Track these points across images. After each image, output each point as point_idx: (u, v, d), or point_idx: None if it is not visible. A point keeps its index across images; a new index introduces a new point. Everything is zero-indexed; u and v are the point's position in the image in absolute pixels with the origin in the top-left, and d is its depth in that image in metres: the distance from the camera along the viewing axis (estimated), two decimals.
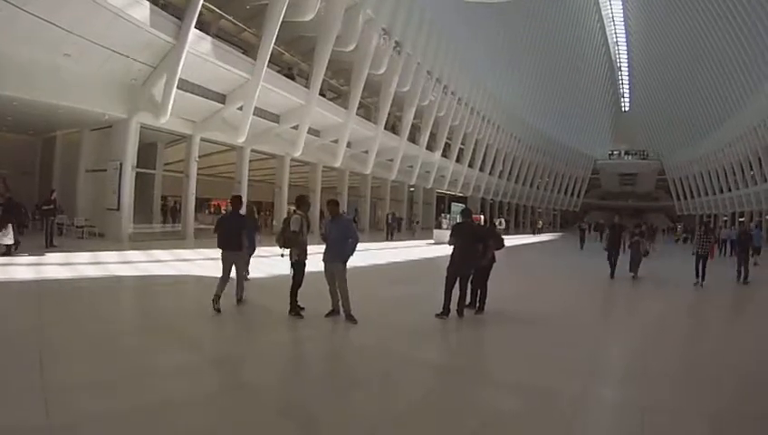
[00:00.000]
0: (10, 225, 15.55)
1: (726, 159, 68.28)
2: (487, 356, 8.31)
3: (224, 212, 12.72)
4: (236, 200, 10.45)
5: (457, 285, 10.07)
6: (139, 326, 8.79)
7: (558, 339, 8.87)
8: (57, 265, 14.57)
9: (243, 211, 11.23)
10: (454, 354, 8.31)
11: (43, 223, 19.38)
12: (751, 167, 61.42)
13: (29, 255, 16.22)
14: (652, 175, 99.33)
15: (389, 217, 38.01)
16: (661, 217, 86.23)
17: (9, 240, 15.55)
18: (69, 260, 15.78)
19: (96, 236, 22.77)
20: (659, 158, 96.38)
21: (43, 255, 16.51)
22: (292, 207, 10.59)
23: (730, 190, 69.00)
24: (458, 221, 11.10)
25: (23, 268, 13.70)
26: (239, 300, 10.30)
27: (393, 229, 36.56)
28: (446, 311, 9.92)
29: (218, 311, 9.39)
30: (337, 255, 9.22)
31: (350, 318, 9.15)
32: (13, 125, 25.21)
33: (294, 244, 9.44)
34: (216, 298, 9.54)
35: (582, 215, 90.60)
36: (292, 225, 9.44)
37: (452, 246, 10.31)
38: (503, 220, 13.97)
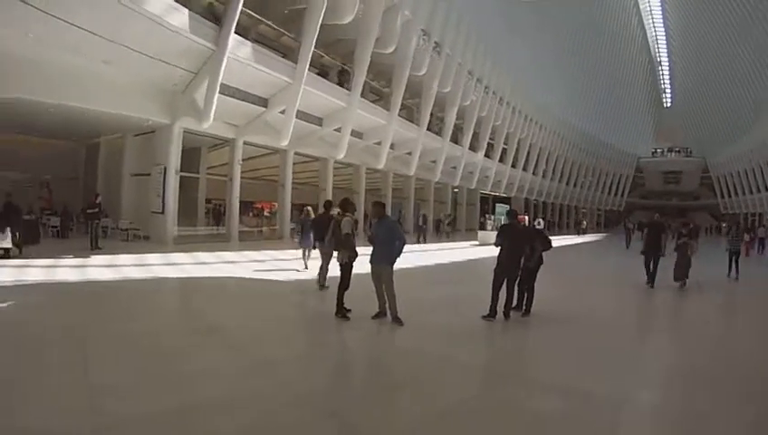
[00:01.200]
0: (8, 228, 15.40)
1: None
2: (532, 359, 7.98)
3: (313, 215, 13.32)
4: (329, 204, 11.45)
5: (504, 287, 9.85)
6: (184, 328, 8.69)
7: (603, 343, 8.60)
8: (102, 267, 14.68)
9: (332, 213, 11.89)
10: (499, 357, 8.12)
11: (88, 226, 19.47)
12: None
13: (74, 257, 16.42)
14: (696, 173, 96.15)
15: (420, 218, 36.20)
16: (705, 216, 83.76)
17: (7, 243, 15.39)
18: (113, 262, 15.92)
19: (141, 238, 22.95)
20: (703, 155, 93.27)
21: (87, 257, 16.65)
22: (337, 210, 10.74)
23: None
24: (505, 222, 10.64)
25: (67, 270, 13.81)
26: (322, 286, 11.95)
27: (423, 232, 34.37)
28: (492, 313, 9.72)
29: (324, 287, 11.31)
30: (384, 257, 9.10)
31: (396, 320, 9.05)
32: (57, 131, 25.58)
33: (346, 246, 9.42)
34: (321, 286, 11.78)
35: (626, 214, 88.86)
36: (344, 227, 9.50)
37: (498, 248, 10.07)
38: (540, 220, 13.00)
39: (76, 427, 4.53)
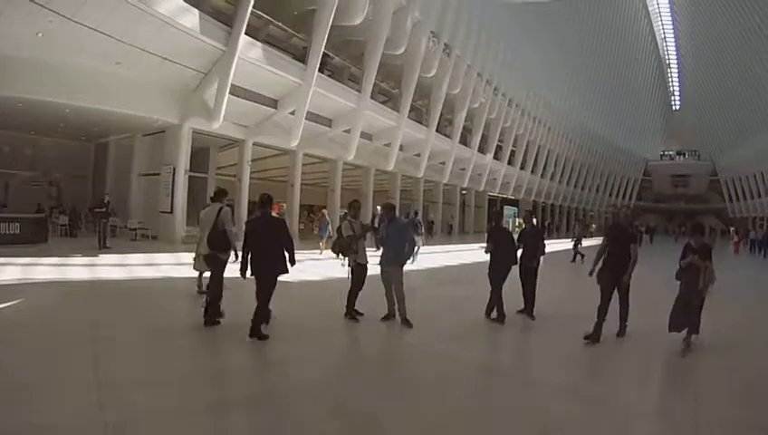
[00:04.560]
0: None
1: None
2: (540, 361, 7.85)
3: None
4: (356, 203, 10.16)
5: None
6: (190, 326, 8.33)
7: (606, 346, 8.34)
8: (110, 266, 14.73)
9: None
10: (507, 358, 8.08)
11: (96, 225, 19.48)
12: None
13: (82, 255, 16.42)
14: (705, 176, 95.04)
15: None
16: (713, 220, 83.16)
17: None
18: (122, 261, 15.97)
19: (149, 238, 23.00)
20: (711, 158, 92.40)
21: (96, 256, 16.68)
22: (344, 210, 10.71)
23: None
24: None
25: (76, 268, 13.83)
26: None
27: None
28: (500, 317, 9.61)
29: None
30: (393, 258, 8.99)
31: (405, 322, 8.87)
32: (66, 131, 25.66)
33: (349, 250, 9.20)
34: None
35: (634, 217, 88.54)
36: (344, 230, 9.25)
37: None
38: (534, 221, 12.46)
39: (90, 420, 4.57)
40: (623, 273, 8.54)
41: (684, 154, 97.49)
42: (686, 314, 8.11)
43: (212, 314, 8.26)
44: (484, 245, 10.08)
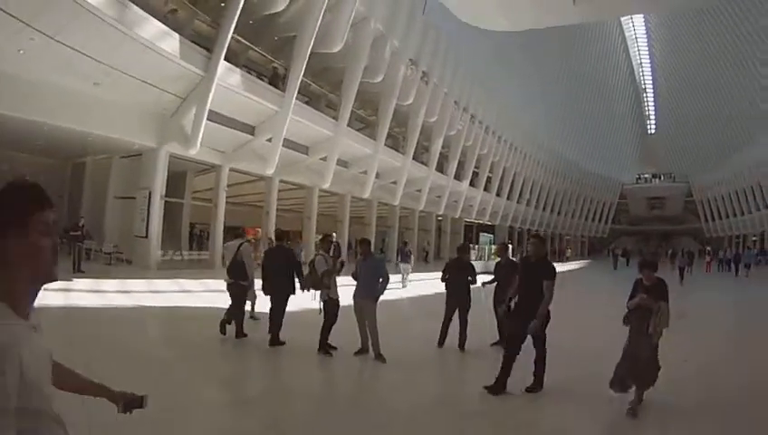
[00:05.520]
0: None
1: (754, 179, 66.67)
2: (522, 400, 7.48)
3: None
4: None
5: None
6: (164, 359, 8.63)
7: (585, 371, 8.54)
8: (84, 292, 14.70)
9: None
10: (482, 395, 7.58)
11: (71, 248, 19.48)
12: None
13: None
14: (680, 197, 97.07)
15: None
16: (689, 241, 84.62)
17: None
18: (96, 287, 16.03)
19: (124, 262, 23.04)
20: (687, 180, 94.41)
21: (70, 280, 16.58)
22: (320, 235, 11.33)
23: (759, 210, 67.32)
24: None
25: (48, 293, 13.50)
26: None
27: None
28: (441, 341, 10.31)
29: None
30: (367, 292, 9.15)
31: (379, 357, 9.01)
32: (43, 149, 25.51)
33: (321, 285, 9.37)
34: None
35: (611, 241, 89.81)
36: (318, 266, 9.41)
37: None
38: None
39: None
40: (531, 319, 7.36)
41: (659, 177, 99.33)
42: (634, 369, 6.72)
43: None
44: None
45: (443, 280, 10.54)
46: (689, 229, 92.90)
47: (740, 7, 55.84)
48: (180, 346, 9.73)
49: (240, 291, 10.31)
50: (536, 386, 7.44)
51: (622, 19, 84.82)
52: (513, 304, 8.06)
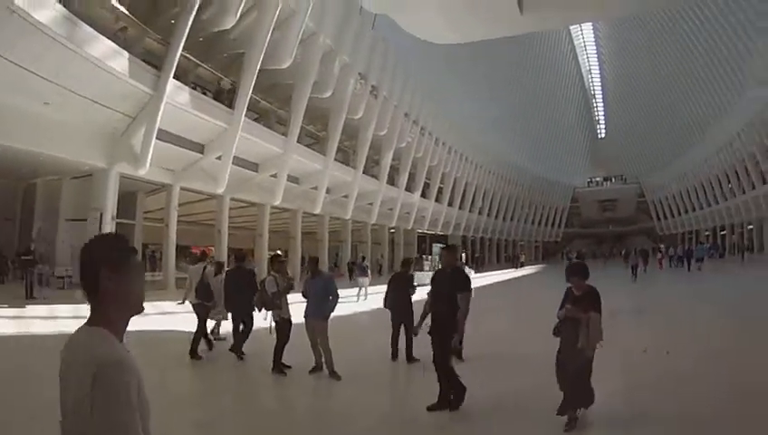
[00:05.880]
0: None
1: (704, 175, 70.86)
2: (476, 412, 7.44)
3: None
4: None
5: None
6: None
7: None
8: (38, 319, 14.70)
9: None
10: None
11: (23, 273, 19.47)
12: (729, 180, 64.26)
13: (8, 306, 16.25)
14: (632, 198, 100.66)
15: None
16: (643, 240, 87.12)
17: None
18: (49, 313, 15.84)
19: (78, 286, 22.47)
20: (638, 180, 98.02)
21: (23, 307, 16.55)
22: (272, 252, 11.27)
23: (710, 205, 71.22)
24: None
25: (2, 322, 13.74)
26: None
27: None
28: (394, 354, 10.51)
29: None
30: (317, 311, 9.24)
31: (333, 374, 9.12)
32: None
33: (272, 305, 9.57)
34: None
35: (564, 244, 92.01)
36: (268, 287, 9.63)
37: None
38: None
39: None
40: (450, 334, 7.14)
41: (611, 179, 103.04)
42: (563, 381, 6.43)
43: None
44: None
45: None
46: (642, 229, 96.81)
47: (682, 16, 58.06)
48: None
49: (204, 311, 10.97)
50: (453, 402, 7.15)
51: (571, 27, 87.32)
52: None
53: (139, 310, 2.19)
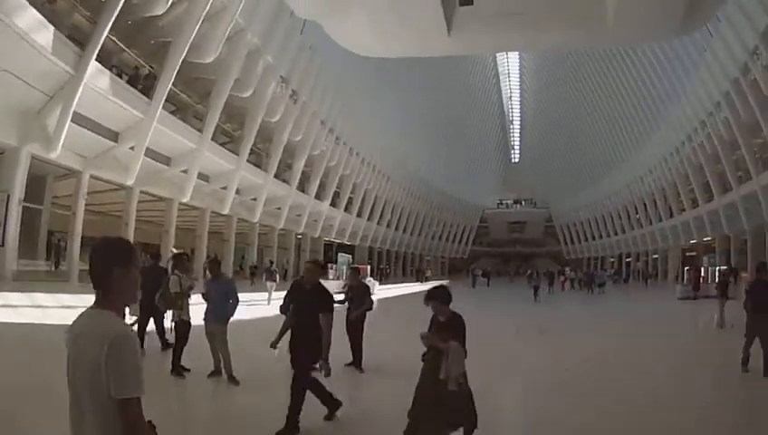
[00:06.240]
0: None
1: (613, 206, 76.80)
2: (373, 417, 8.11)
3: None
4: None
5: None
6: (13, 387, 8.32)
7: None
8: None
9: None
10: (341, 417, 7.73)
11: None
12: (636, 211, 69.81)
13: None
14: (540, 222, 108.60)
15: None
16: (549, 262, 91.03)
17: None
18: None
19: None
20: (547, 206, 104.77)
21: None
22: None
23: (617, 234, 77.52)
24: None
25: None
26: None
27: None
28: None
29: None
30: (217, 315, 9.31)
31: (232, 379, 9.24)
32: None
33: (175, 305, 9.88)
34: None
35: (471, 261, 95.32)
36: (171, 286, 9.90)
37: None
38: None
39: None
40: (310, 356, 6.95)
41: (521, 202, 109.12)
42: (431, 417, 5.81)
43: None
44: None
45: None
46: (550, 252, 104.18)
47: (606, 54, 61.45)
48: (28, 373, 9.26)
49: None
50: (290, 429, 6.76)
51: (497, 54, 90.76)
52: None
53: (135, 300, 3.03)
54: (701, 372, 11.90)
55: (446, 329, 5.86)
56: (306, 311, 7.04)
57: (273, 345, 7.35)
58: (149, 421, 2.50)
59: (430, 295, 6.04)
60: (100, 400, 2.33)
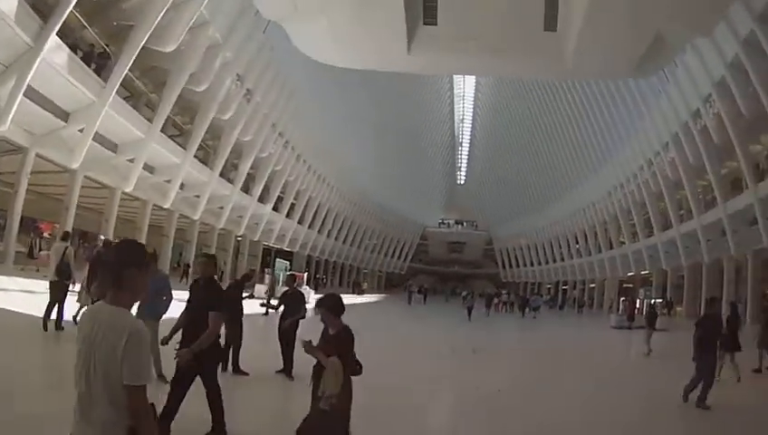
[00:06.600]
0: None
1: (554, 234, 79.20)
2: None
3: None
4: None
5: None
6: None
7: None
8: None
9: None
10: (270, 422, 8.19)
11: None
12: (577, 241, 72.24)
13: None
14: (480, 244, 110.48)
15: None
16: (487, 284, 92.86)
17: None
18: None
19: None
20: (488, 229, 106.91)
21: None
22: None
23: (555, 262, 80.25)
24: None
25: None
26: None
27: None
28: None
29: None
30: (149, 311, 8.73)
31: (161, 378, 8.83)
32: None
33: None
34: None
35: (408, 277, 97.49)
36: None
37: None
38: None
39: None
40: (213, 357, 6.88)
41: (462, 223, 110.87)
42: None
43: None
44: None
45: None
46: (488, 274, 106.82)
47: (560, 85, 63.76)
48: None
49: (62, 289, 12.38)
50: (218, 433, 6.69)
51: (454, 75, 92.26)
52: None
53: (144, 299, 3.40)
54: (621, 397, 12.73)
55: (334, 342, 5.56)
56: (197, 308, 6.71)
57: (165, 342, 7.07)
58: (152, 404, 2.90)
59: (320, 302, 5.77)
60: (111, 384, 2.72)
